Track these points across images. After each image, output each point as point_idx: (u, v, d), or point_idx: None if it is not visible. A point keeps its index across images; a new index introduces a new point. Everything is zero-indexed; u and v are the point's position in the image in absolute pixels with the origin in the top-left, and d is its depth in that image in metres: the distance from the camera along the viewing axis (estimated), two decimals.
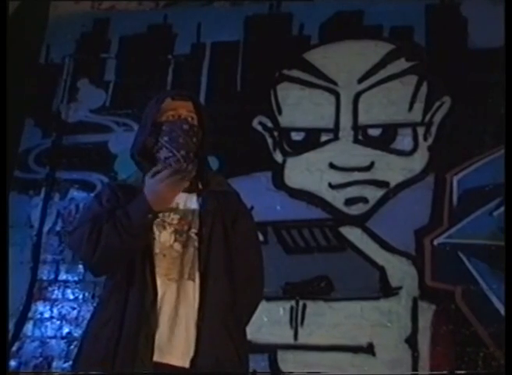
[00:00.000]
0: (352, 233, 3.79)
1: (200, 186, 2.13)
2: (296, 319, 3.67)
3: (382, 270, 3.67)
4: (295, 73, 4.19)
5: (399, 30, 4.13)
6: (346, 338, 3.59)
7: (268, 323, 3.64)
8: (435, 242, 3.66)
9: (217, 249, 2.03)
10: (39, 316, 4.03)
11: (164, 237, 2.03)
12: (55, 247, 4.17)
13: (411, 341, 3.52)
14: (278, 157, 4.05)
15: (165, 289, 1.97)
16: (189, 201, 2.09)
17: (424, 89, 3.98)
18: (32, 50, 4.60)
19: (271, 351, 3.64)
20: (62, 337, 3.95)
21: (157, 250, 2.01)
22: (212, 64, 4.37)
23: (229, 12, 4.45)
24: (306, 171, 3.97)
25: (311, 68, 4.17)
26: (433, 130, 3.89)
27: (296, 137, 4.07)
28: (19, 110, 4.32)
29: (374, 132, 3.97)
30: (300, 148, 4.04)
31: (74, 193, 4.27)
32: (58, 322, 4.00)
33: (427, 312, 3.55)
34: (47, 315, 4.03)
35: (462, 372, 3.40)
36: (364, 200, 3.84)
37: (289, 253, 3.83)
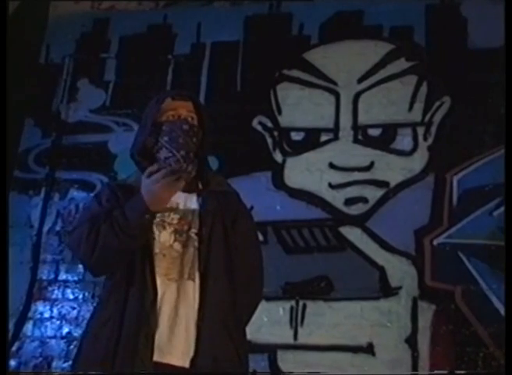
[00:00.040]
0: (352, 233, 3.79)
1: (200, 186, 2.13)
2: (296, 319, 3.67)
3: (381, 270, 3.67)
4: (295, 73, 4.19)
5: (399, 30, 4.13)
6: (345, 338, 3.59)
7: (267, 323, 3.64)
8: (435, 242, 3.66)
9: (217, 249, 2.03)
10: (39, 316, 4.03)
11: (164, 237, 2.03)
12: (54, 247, 4.17)
13: (411, 341, 3.52)
14: (278, 157, 4.05)
15: (164, 289, 1.97)
16: (189, 201, 2.09)
17: (424, 89, 3.98)
18: (32, 50, 4.60)
19: (271, 351, 3.64)
20: (62, 337, 3.95)
21: (157, 250, 2.01)
22: (212, 64, 4.37)
23: (228, 12, 4.46)
24: (306, 171, 3.97)
25: (311, 68, 4.17)
26: (433, 130, 3.89)
27: (296, 137, 4.07)
28: (19, 110, 4.32)
29: (374, 132, 3.97)
30: (299, 148, 4.04)
31: (74, 193, 4.27)
32: (58, 322, 4.00)
33: (427, 312, 3.55)
34: (47, 315, 4.03)
35: (462, 372, 3.40)
36: (364, 200, 3.84)
37: (289, 253, 3.83)
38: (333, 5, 4.25)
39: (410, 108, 3.96)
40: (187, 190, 2.06)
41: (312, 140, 4.04)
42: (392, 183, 3.83)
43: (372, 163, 3.90)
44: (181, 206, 2.07)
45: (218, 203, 2.09)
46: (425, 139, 3.89)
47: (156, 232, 2.02)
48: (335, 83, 4.11)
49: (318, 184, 3.91)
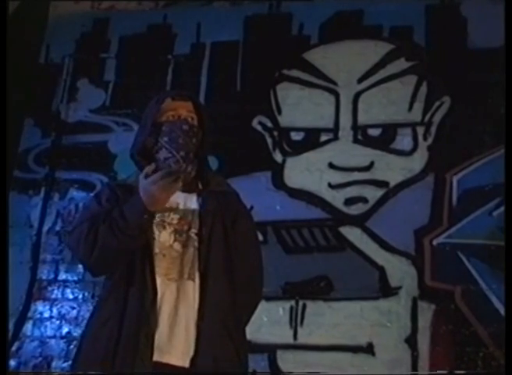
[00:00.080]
0: (352, 233, 3.79)
1: (200, 186, 2.13)
2: (295, 319, 3.67)
3: (381, 270, 3.67)
4: (295, 72, 4.19)
5: (399, 30, 4.13)
6: (345, 338, 3.59)
7: (267, 322, 3.64)
8: (435, 242, 3.66)
9: (217, 249, 2.03)
10: (38, 316, 4.03)
11: (164, 237, 2.03)
12: (54, 247, 4.17)
13: (411, 341, 3.52)
14: (277, 157, 4.05)
15: (164, 289, 1.97)
16: (189, 201, 2.09)
17: (423, 89, 3.98)
18: (32, 50, 4.60)
19: (270, 351, 3.64)
20: (62, 337, 3.95)
21: (157, 250, 2.01)
22: (212, 64, 4.37)
23: (228, 12, 4.45)
24: (306, 171, 3.97)
25: (311, 68, 4.17)
26: (433, 129, 3.89)
27: (296, 137, 4.07)
28: (19, 110, 4.32)
29: (373, 132, 3.97)
30: (299, 148, 4.04)
31: (74, 193, 4.27)
32: (58, 321, 4.00)
33: (426, 312, 3.55)
34: (46, 314, 4.03)
35: (462, 372, 3.40)
36: (364, 200, 3.84)
37: (288, 253, 3.83)
38: (333, 5, 4.25)
39: (410, 108, 3.96)
40: (187, 190, 2.07)
41: (312, 140, 4.04)
42: (392, 183, 3.83)
43: (372, 163, 3.89)
44: (181, 206, 2.07)
45: (218, 203, 2.09)
46: (425, 139, 3.89)
47: (156, 232, 2.02)
48: (335, 83, 4.11)
49: (317, 184, 3.91)
